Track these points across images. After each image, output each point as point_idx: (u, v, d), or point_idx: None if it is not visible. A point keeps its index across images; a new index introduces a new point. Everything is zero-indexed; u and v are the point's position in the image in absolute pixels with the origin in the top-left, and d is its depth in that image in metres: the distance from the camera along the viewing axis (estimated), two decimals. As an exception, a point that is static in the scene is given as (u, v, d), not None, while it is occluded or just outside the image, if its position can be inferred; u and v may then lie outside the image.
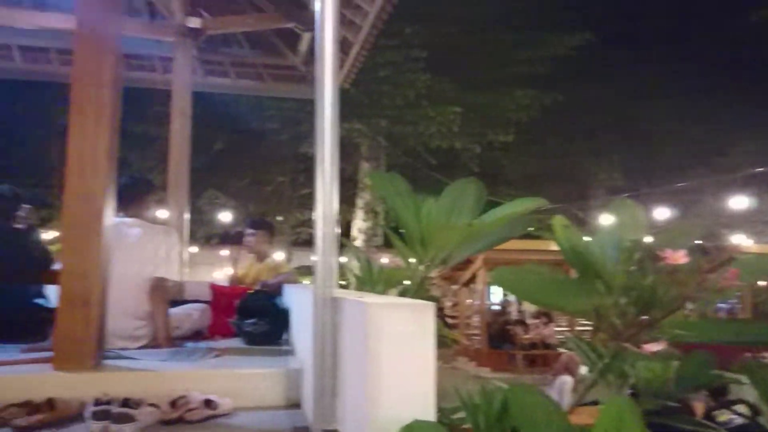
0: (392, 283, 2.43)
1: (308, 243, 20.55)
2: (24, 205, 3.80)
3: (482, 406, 1.93)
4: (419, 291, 2.10)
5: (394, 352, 1.19)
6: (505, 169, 16.55)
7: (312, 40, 5.88)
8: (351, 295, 1.52)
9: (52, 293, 3.57)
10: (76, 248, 2.49)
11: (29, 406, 2.17)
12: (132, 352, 2.92)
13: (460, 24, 13.23)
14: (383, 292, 2.40)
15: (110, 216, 2.61)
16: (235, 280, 4.68)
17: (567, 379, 6.05)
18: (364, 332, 1.20)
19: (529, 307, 14.75)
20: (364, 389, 1.22)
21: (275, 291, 3.77)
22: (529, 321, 13.73)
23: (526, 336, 13.07)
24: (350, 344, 1.41)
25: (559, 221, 1.65)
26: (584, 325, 12.15)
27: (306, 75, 6.61)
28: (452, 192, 1.90)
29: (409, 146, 13.87)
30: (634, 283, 1.48)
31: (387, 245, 13.00)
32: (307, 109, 12.68)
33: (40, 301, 3.64)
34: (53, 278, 3.34)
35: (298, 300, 3.11)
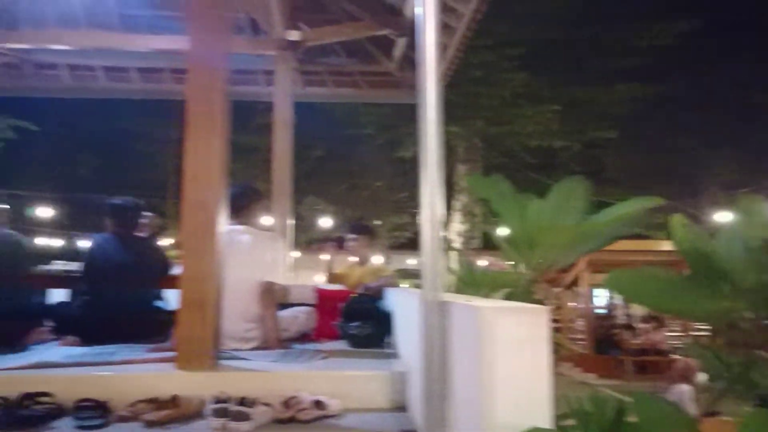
0: (496, 287, 2.39)
1: (405, 246, 20.74)
2: (146, 213, 4.09)
3: (594, 414, 1.85)
4: (525, 294, 2.05)
5: (508, 357, 1.17)
6: (607, 166, 15.85)
7: (406, 46, 5.93)
8: (459, 299, 1.51)
9: (170, 296, 3.81)
10: (194, 255, 2.64)
11: (156, 403, 2.33)
12: (244, 353, 3.06)
13: (556, 19, 12.84)
14: (487, 296, 2.37)
15: (223, 224, 2.75)
16: (332, 279, 4.80)
17: (685, 388, 5.68)
18: (477, 337, 1.18)
19: (637, 311, 14.03)
20: (477, 394, 1.21)
21: (377, 294, 3.82)
22: (638, 325, 13.04)
23: (635, 341, 12.42)
24: (460, 348, 1.40)
25: (678, 220, 1.56)
26: (699, 330, 11.40)
27: (401, 80, 6.67)
28: (558, 192, 1.84)
29: (506, 146, 13.61)
30: (766, 285, 1.37)
31: (485, 247, 12.81)
32: (402, 113, 12.78)
33: (160, 304, 3.90)
34: (172, 283, 3.58)
35: (400, 303, 3.13)
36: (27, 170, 17.08)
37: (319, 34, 5.88)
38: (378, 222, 16.75)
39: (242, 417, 2.14)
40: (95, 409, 2.27)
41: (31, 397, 2.30)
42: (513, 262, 2.13)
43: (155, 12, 6.19)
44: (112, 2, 6.05)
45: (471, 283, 2.42)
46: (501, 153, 13.68)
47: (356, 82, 6.81)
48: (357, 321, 3.41)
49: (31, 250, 3.68)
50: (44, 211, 16.97)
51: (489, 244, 13.34)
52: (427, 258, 1.55)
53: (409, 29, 5.45)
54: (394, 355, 3.07)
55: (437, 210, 1.56)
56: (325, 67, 6.66)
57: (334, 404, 2.34)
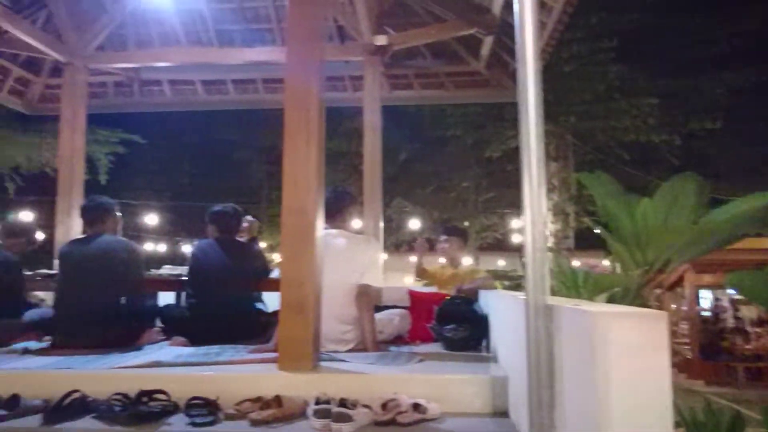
0: (599, 289, 2.30)
1: (493, 247, 20.35)
2: (246, 218, 4.26)
3: (708, 424, 1.73)
4: (633, 298, 1.95)
5: (625, 364, 1.11)
6: (712, 160, 14.84)
7: (494, 44, 5.84)
8: (566, 303, 1.46)
9: (269, 299, 3.94)
10: (293, 258, 2.72)
11: (261, 402, 2.41)
12: (342, 354, 3.11)
13: (652, 6, 12.20)
14: (589, 299, 2.28)
15: (320, 228, 2.81)
16: (421, 273, 4.78)
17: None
18: (590, 343, 1.14)
19: (746, 313, 13.07)
20: (590, 403, 1.16)
21: (472, 296, 3.78)
22: (750, 329, 12.14)
23: (748, 346, 11.56)
24: (569, 354, 1.35)
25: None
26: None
27: (488, 79, 6.59)
28: (669, 190, 1.74)
29: (600, 142, 13.07)
30: None
31: (578, 248, 12.37)
32: (489, 113, 12.59)
33: (260, 306, 4.04)
34: (271, 285, 3.70)
35: (497, 306, 3.08)
36: (135, 180, 18.29)
37: (406, 37, 5.91)
38: (466, 223, 16.58)
39: (344, 418, 2.17)
40: (205, 407, 2.38)
41: (148, 394, 2.45)
42: (617, 263, 2.04)
43: (248, 26, 6.46)
44: (209, 19, 6.37)
45: (572, 285, 2.34)
46: (594, 149, 13.14)
47: (443, 84, 6.80)
48: (452, 323, 3.38)
49: (143, 256, 3.92)
50: (151, 219, 18.11)
51: (581, 244, 12.88)
52: (530, 260, 1.50)
53: (497, 27, 5.36)
54: (491, 359, 3.02)
55: (540, 211, 1.51)
56: (411, 70, 6.70)
57: (432, 408, 2.32)
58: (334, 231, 3.43)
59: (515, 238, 19.82)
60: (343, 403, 2.28)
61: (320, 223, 2.80)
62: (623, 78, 11.96)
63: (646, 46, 12.49)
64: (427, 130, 14.92)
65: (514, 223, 18.47)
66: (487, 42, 5.82)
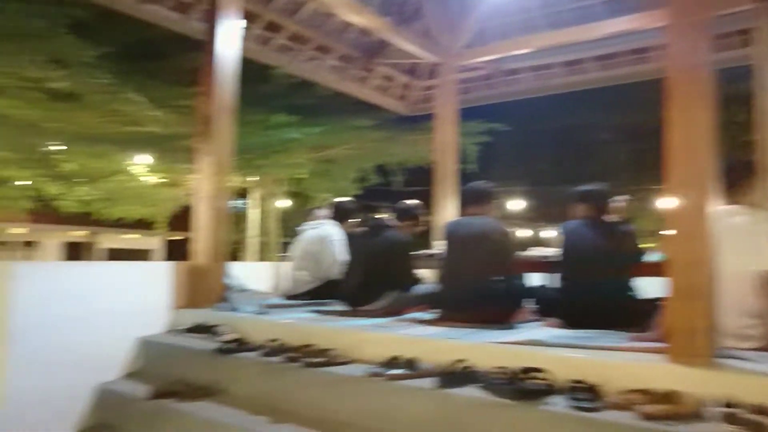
0: None
1: None
2: (617, 198, 4.01)
3: None
4: None
5: None
6: None
7: None
8: None
9: (642, 284, 3.61)
10: (684, 239, 2.42)
11: (649, 395, 2.21)
12: (742, 352, 2.65)
13: None
14: None
15: (714, 204, 2.45)
16: None
17: None
18: None
19: None
20: None
21: None
22: None
23: None
24: None
25: None
26: None
27: None
28: None
29: None
30: None
31: None
32: None
33: (631, 292, 3.75)
34: (644, 270, 3.41)
35: None
36: (496, 168, 19.33)
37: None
38: None
39: (761, 429, 1.83)
40: (589, 392, 2.30)
41: (528, 371, 2.48)
42: None
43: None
44: (566, -2, 6.23)
45: None
46: None
47: None
48: None
49: (513, 239, 4.03)
50: (514, 204, 18.94)
51: None
52: None
53: None
54: None
55: None
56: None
57: None
58: (733, 207, 2.94)
59: None
60: (759, 409, 1.92)
61: (713, 199, 2.43)
62: None
63: None
64: None
65: None
66: None
